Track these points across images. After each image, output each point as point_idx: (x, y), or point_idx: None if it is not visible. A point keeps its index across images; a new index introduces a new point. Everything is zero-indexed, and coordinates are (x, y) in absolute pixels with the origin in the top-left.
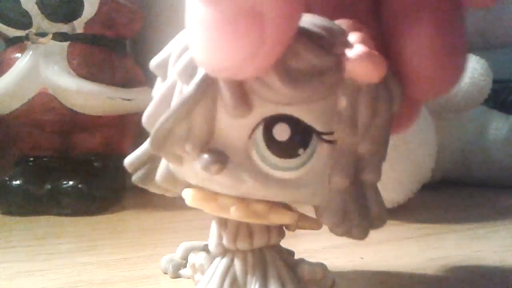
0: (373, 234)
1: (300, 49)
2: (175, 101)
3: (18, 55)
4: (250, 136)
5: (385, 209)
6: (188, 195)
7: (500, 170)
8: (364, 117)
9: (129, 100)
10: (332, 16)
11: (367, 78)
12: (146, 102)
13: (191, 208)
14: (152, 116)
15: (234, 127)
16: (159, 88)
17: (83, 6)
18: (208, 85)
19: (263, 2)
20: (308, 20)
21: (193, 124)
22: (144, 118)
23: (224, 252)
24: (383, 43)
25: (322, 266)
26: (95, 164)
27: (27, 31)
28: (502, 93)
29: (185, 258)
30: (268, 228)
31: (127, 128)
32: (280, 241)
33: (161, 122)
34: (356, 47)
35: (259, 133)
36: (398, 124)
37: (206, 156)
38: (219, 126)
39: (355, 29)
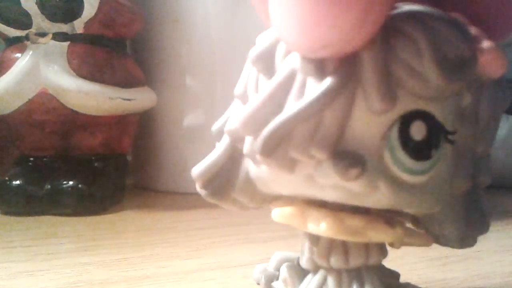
0: None
1: (452, 36)
2: (295, 97)
3: (18, 55)
4: (384, 135)
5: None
6: (275, 211)
7: (500, 170)
8: (485, 115)
9: (129, 100)
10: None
11: (495, 74)
12: (146, 102)
13: (191, 208)
14: (255, 118)
15: (370, 125)
16: (258, 85)
17: (83, 6)
18: (349, 76)
19: None
20: (429, 11)
21: (322, 123)
22: (241, 121)
23: (316, 268)
24: None
25: None
26: (95, 164)
27: (27, 31)
28: None
29: (279, 269)
30: (366, 246)
31: (127, 128)
32: (381, 260)
33: (281, 123)
34: (484, 41)
35: (394, 132)
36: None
37: (343, 159)
38: (352, 124)
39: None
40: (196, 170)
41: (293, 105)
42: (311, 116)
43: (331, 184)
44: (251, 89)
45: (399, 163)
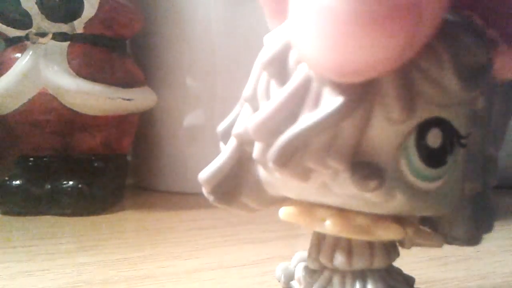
0: None
1: (470, 44)
2: (310, 107)
3: (18, 55)
4: (400, 145)
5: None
6: (282, 210)
7: (500, 170)
8: (497, 117)
9: (129, 100)
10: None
11: (508, 76)
12: (146, 102)
13: (191, 209)
14: (267, 125)
15: (387, 135)
16: (269, 90)
17: (83, 6)
18: (368, 86)
19: None
20: (448, 15)
21: (340, 134)
22: (254, 127)
23: (322, 268)
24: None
25: None
26: (95, 164)
27: (27, 31)
28: None
29: None
30: (371, 248)
31: (127, 128)
32: (387, 264)
33: (296, 134)
34: (499, 44)
35: (411, 141)
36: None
37: (361, 170)
38: (369, 135)
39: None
40: (203, 175)
41: (308, 116)
42: (328, 127)
43: (348, 194)
44: (261, 93)
45: (416, 171)
